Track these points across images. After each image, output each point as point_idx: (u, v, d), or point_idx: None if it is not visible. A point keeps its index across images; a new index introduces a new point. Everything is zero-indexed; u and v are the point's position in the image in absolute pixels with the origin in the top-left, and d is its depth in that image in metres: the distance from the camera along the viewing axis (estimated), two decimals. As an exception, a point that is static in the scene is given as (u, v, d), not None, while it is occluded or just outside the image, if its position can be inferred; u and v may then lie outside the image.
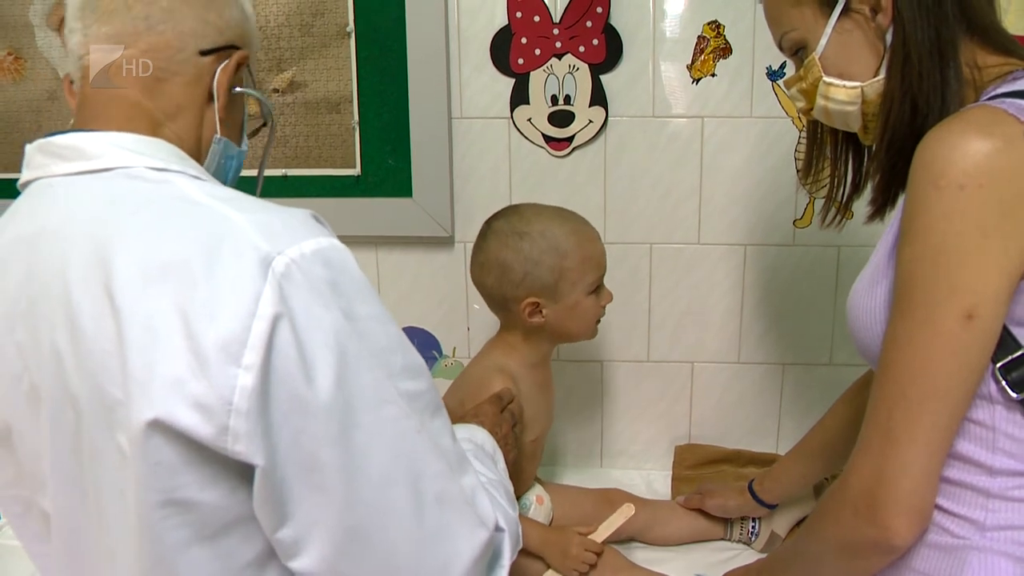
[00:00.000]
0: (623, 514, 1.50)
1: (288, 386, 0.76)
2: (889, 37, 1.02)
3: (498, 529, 0.95)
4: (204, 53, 0.97)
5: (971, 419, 0.97)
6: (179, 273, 0.76)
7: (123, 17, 0.93)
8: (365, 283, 0.84)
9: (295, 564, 0.82)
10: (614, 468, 1.98)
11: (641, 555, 1.59)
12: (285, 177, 1.84)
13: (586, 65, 1.75)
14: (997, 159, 0.88)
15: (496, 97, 1.79)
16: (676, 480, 1.86)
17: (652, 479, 1.92)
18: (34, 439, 0.89)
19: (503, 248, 1.49)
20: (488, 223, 1.55)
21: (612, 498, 1.69)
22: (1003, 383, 0.94)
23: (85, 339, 0.79)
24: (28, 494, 0.94)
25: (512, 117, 1.79)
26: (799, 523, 1.62)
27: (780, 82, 1.72)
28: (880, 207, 1.12)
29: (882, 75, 1.04)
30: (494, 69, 1.78)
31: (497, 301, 1.55)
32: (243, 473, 0.79)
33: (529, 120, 1.79)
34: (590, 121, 1.78)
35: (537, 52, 1.75)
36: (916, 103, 1.00)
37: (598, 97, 1.76)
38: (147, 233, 0.80)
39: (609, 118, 1.78)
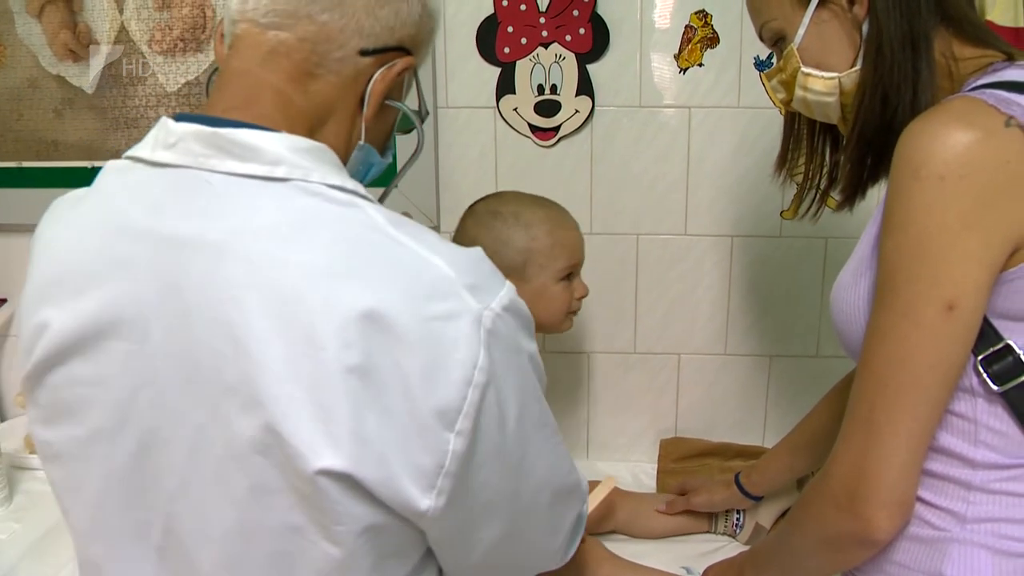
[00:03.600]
0: (606, 486, 1.50)
1: (488, 440, 0.77)
2: (865, 28, 1.02)
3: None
4: (365, 53, 0.87)
5: (953, 412, 0.97)
6: (392, 325, 0.72)
7: None
8: (530, 318, 0.84)
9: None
10: (600, 460, 1.97)
11: (625, 549, 1.58)
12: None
13: (572, 54, 1.74)
14: (978, 150, 0.87)
15: (482, 86, 1.78)
16: (662, 473, 1.86)
17: (638, 471, 1.91)
18: (130, 454, 0.81)
19: (477, 227, 1.50)
20: (470, 207, 1.55)
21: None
22: (984, 376, 0.93)
23: (266, 380, 0.72)
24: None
25: (498, 106, 1.78)
26: (784, 514, 1.62)
27: (762, 73, 1.71)
28: (849, 197, 1.13)
29: (859, 66, 1.03)
30: (480, 58, 1.76)
31: None
32: None
33: (515, 110, 1.78)
34: (576, 111, 1.76)
35: (523, 41, 1.74)
36: (887, 94, 1.00)
37: (584, 86, 1.75)
38: (351, 273, 0.74)
39: (596, 108, 1.77)
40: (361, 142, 0.91)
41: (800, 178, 1.24)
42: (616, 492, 1.68)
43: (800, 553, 1.11)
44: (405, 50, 0.91)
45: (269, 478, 0.75)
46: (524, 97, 1.77)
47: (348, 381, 0.71)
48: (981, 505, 0.98)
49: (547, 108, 1.77)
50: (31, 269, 0.86)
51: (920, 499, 1.00)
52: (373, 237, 0.76)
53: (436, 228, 1.84)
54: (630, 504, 1.66)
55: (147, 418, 0.79)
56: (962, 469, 0.98)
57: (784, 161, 1.25)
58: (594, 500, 1.48)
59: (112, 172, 0.86)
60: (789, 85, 1.11)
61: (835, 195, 1.18)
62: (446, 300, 0.74)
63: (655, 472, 1.88)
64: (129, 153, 0.84)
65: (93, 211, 0.84)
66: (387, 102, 0.92)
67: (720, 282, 1.86)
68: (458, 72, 1.78)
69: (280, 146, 0.79)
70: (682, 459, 1.87)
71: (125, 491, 0.83)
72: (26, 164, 1.88)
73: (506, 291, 0.79)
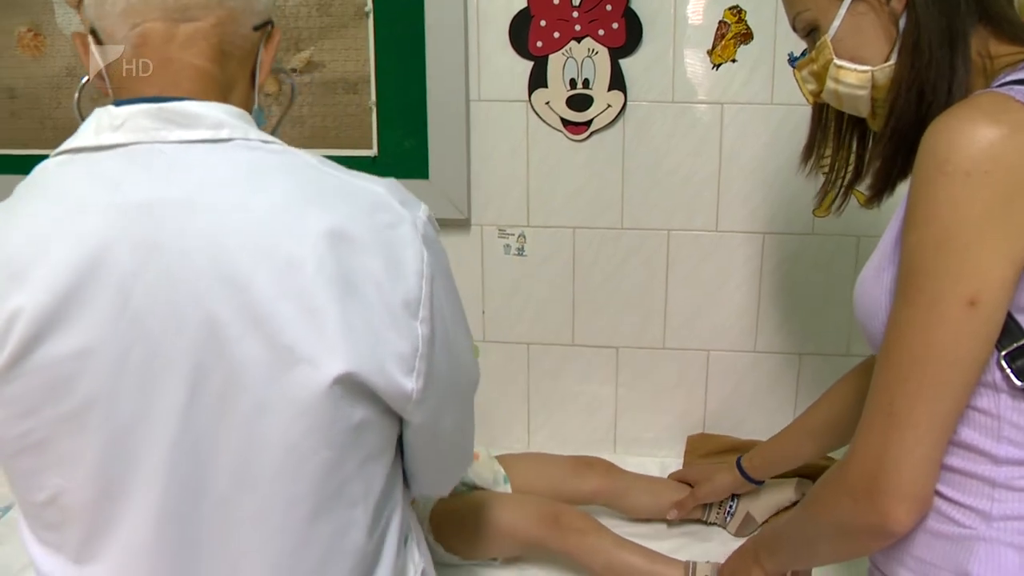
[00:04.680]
0: None
1: (440, 328, 0.92)
2: (902, 23, 1.01)
3: None
4: (256, 29, 0.98)
5: (976, 407, 0.96)
6: (353, 237, 0.85)
7: None
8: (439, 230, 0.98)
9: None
10: (628, 455, 1.96)
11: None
12: (303, 157, 1.84)
13: (605, 49, 1.74)
14: (1004, 146, 0.87)
15: (514, 80, 1.79)
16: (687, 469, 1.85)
17: (667, 465, 1.91)
18: (130, 411, 0.86)
19: None
20: None
21: (592, 463, 1.71)
22: (1008, 371, 0.92)
23: (260, 303, 0.83)
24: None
25: (530, 100, 1.79)
26: (778, 514, 1.63)
27: (793, 64, 1.71)
28: (877, 193, 1.12)
29: (893, 60, 1.03)
30: (512, 52, 1.77)
31: None
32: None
33: (547, 103, 1.78)
34: (609, 105, 1.77)
35: (556, 35, 1.74)
36: (923, 90, 1.00)
37: (617, 81, 1.75)
38: (306, 203, 0.87)
39: (628, 103, 1.77)
40: (256, 107, 1.02)
41: (827, 170, 1.24)
42: (611, 467, 1.71)
43: (813, 539, 1.12)
44: (271, 22, 1.02)
45: (270, 394, 0.85)
46: (556, 91, 1.77)
47: (330, 290, 0.83)
48: (1006, 503, 0.97)
49: (579, 102, 1.77)
50: None
51: (945, 496, 0.99)
52: (314, 174, 0.91)
53: (467, 221, 1.86)
54: (625, 481, 1.69)
55: (142, 374, 0.85)
56: (985, 465, 0.97)
57: (810, 152, 1.25)
58: None
59: (53, 166, 0.90)
60: (820, 76, 1.10)
61: (863, 190, 1.17)
62: (386, 211, 0.90)
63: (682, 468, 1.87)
64: (66, 147, 0.90)
65: (44, 201, 0.87)
66: (276, 68, 1.06)
67: (751, 279, 1.85)
68: (490, 65, 1.79)
69: (219, 112, 0.90)
70: (708, 455, 1.87)
71: (127, 450, 0.87)
72: (66, 152, 1.90)
73: (424, 207, 0.94)
